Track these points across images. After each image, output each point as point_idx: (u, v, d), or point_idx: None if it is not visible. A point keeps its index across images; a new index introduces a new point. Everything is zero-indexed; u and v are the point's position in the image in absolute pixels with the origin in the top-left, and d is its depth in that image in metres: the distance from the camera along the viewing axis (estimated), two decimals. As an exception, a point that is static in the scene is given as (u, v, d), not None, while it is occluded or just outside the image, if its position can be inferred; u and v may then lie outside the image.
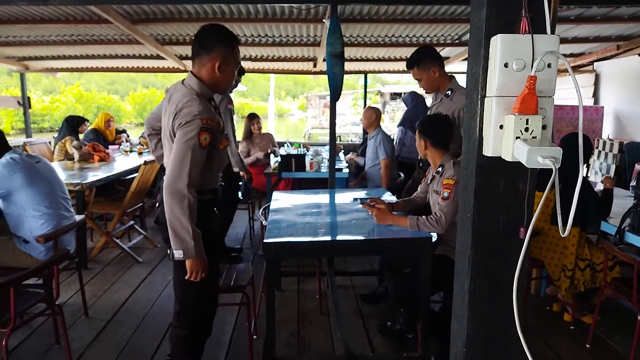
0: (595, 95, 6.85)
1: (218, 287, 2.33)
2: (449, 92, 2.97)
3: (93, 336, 3.03)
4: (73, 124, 5.91)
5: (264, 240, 2.35)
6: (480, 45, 1.12)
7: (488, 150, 1.12)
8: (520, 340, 1.13)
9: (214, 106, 2.10)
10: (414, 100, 5.51)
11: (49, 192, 2.95)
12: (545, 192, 1.04)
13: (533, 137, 1.04)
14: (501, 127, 1.08)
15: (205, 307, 2.22)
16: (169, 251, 2.01)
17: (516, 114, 1.05)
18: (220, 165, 2.20)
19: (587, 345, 2.91)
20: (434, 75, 2.99)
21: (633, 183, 2.84)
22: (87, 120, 6.19)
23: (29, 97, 7.73)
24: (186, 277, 2.01)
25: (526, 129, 1.04)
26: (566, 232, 1.05)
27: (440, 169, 2.70)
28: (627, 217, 2.81)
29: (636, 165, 4.84)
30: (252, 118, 5.97)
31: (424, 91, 3.15)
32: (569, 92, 6.10)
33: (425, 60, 2.98)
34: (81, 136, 6.00)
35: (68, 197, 3.17)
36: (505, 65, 1.06)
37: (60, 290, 2.74)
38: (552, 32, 1.08)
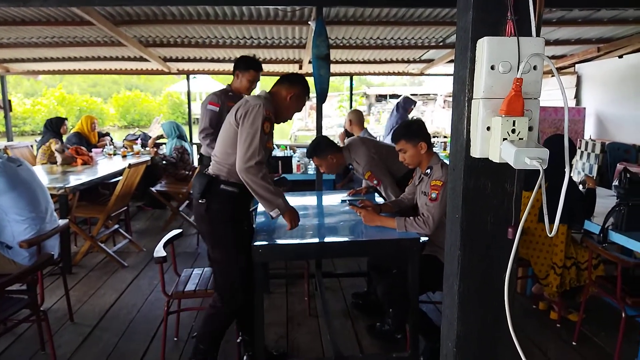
0: (577, 96, 6.96)
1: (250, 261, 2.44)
2: (428, 170, 2.78)
3: (79, 342, 2.99)
4: (54, 126, 5.81)
5: (252, 243, 2.34)
6: (466, 48, 1.13)
7: (476, 152, 1.13)
8: (510, 339, 1.14)
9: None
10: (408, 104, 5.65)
11: (31, 197, 2.90)
12: (533, 193, 1.05)
13: (520, 139, 1.05)
14: (488, 128, 1.10)
15: (244, 280, 2.44)
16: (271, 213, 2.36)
17: (503, 115, 1.06)
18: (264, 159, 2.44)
19: (574, 343, 2.96)
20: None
21: (615, 183, 2.89)
22: (66, 119, 6.09)
23: (9, 100, 7.61)
24: (287, 229, 2.42)
25: (513, 131, 1.05)
26: (553, 232, 1.06)
27: (428, 170, 2.71)
28: (610, 216, 2.85)
29: (618, 165, 4.93)
30: None
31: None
32: (551, 93, 6.19)
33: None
34: (64, 137, 5.92)
35: (51, 201, 3.12)
36: (492, 68, 1.07)
37: (45, 295, 2.69)
38: (538, 34, 1.10)
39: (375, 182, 3.23)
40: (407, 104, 6.21)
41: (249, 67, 3.59)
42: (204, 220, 2.43)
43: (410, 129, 2.76)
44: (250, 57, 3.72)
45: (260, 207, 3.04)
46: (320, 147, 3.31)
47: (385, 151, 3.34)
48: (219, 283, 2.51)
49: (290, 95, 2.48)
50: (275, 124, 2.48)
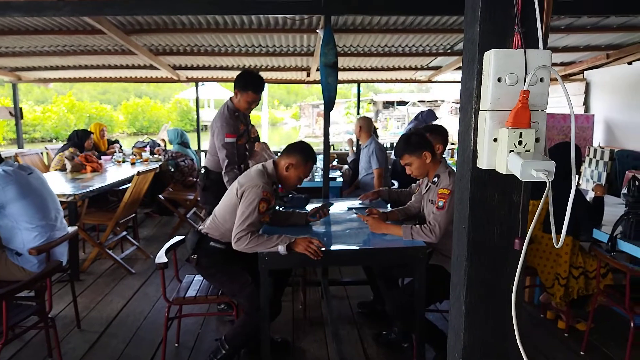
0: (586, 103, 6.93)
1: (251, 269, 2.60)
2: (436, 178, 2.77)
3: (86, 349, 3.00)
4: (79, 139, 5.81)
5: (259, 251, 2.35)
6: (474, 60, 1.14)
7: (482, 163, 1.13)
8: (517, 350, 1.14)
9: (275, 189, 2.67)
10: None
11: (41, 205, 2.93)
12: (540, 204, 1.05)
13: (526, 150, 1.05)
14: (495, 140, 1.10)
15: (254, 287, 2.58)
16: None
17: (510, 127, 1.06)
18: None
19: (582, 353, 2.93)
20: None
21: (624, 191, 2.86)
22: (92, 133, 6.12)
23: (20, 108, 7.69)
24: (312, 257, 2.39)
25: (520, 142, 1.05)
26: (560, 243, 1.06)
27: (436, 179, 2.71)
28: (619, 225, 2.83)
29: (627, 172, 4.89)
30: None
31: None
32: (560, 100, 6.17)
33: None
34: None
35: (60, 209, 3.15)
36: (499, 80, 1.08)
37: (53, 302, 2.72)
38: (545, 46, 1.10)
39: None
40: (429, 118, 6.26)
41: (247, 88, 3.44)
42: (199, 271, 2.76)
43: (410, 142, 2.75)
44: (251, 74, 3.54)
45: None
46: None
47: None
48: (241, 302, 2.67)
49: (287, 166, 2.63)
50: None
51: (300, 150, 2.68)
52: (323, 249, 2.40)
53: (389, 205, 3.40)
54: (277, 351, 2.96)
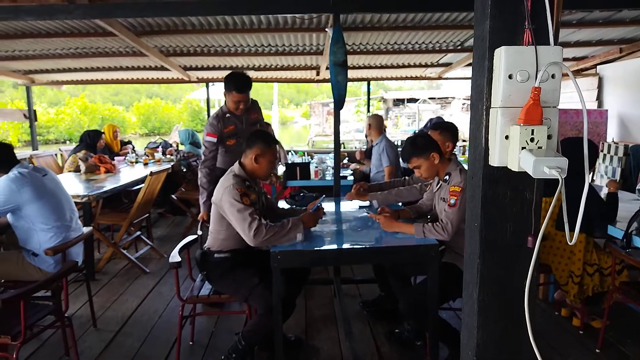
0: (599, 98, 6.84)
1: (262, 270, 2.66)
2: (447, 176, 2.76)
3: (102, 348, 3.04)
4: (90, 140, 5.83)
5: (271, 250, 2.36)
6: (484, 57, 1.13)
7: (494, 161, 1.13)
8: (531, 349, 1.13)
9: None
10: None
11: (56, 205, 2.97)
12: (553, 201, 1.05)
13: (539, 147, 1.05)
14: (507, 137, 1.10)
15: (263, 288, 2.58)
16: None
17: (521, 124, 1.06)
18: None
19: (597, 350, 2.90)
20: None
21: (639, 186, 2.83)
22: (103, 133, 6.17)
23: (34, 110, 7.79)
24: (311, 228, 2.66)
25: (532, 139, 1.05)
26: (573, 240, 1.05)
27: (447, 177, 2.71)
28: (634, 221, 2.80)
29: (642, 168, 4.83)
30: (265, 126, 5.97)
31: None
32: (572, 95, 6.10)
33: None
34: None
35: (75, 210, 3.20)
36: (510, 77, 1.07)
37: (69, 302, 2.76)
38: (556, 42, 1.09)
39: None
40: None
41: (230, 88, 3.44)
42: (212, 285, 2.83)
43: (417, 145, 2.76)
44: (235, 74, 3.53)
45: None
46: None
47: None
48: (253, 305, 2.70)
49: (254, 158, 2.69)
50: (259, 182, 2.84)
51: (259, 138, 2.73)
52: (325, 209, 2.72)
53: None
54: (291, 349, 2.98)
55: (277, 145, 2.82)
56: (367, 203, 3.37)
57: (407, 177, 3.49)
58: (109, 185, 4.52)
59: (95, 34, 4.74)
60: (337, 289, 3.63)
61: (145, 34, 4.75)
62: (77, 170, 5.40)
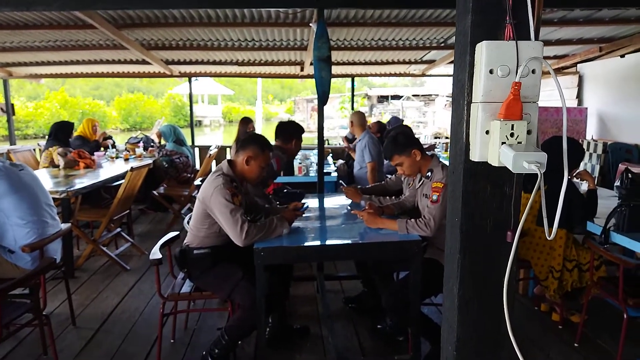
0: (579, 96, 6.95)
1: (245, 266, 2.63)
2: (429, 173, 2.78)
3: (81, 346, 2.99)
4: (63, 135, 5.60)
5: (254, 246, 2.35)
6: (465, 52, 1.13)
7: (475, 156, 1.13)
8: (510, 343, 1.14)
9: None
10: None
11: (33, 201, 2.91)
12: (532, 196, 1.05)
13: (518, 142, 1.05)
14: (487, 132, 1.10)
15: (246, 283, 2.58)
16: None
17: (502, 119, 1.06)
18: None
19: (576, 345, 2.95)
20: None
21: (617, 183, 2.88)
22: (73, 124, 6.02)
23: (12, 104, 7.62)
24: (296, 217, 2.70)
25: (511, 134, 1.05)
26: (552, 235, 1.06)
27: (429, 173, 2.72)
28: (612, 217, 2.84)
29: (620, 165, 4.92)
30: (247, 123, 5.95)
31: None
32: (552, 93, 6.18)
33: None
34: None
35: (53, 205, 3.13)
36: (491, 72, 1.07)
37: (47, 300, 2.70)
38: (536, 38, 1.10)
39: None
40: (396, 123, 6.34)
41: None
42: (195, 283, 2.80)
43: (398, 142, 2.77)
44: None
45: None
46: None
47: None
48: (236, 300, 2.67)
49: (245, 159, 2.68)
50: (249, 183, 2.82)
51: (254, 141, 2.73)
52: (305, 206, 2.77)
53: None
54: (299, 338, 3.06)
55: (271, 153, 2.80)
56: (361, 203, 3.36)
57: (389, 176, 3.50)
58: (89, 180, 4.44)
59: (74, 26, 4.64)
60: (321, 286, 3.62)
61: (126, 27, 4.67)
62: (53, 165, 5.29)
